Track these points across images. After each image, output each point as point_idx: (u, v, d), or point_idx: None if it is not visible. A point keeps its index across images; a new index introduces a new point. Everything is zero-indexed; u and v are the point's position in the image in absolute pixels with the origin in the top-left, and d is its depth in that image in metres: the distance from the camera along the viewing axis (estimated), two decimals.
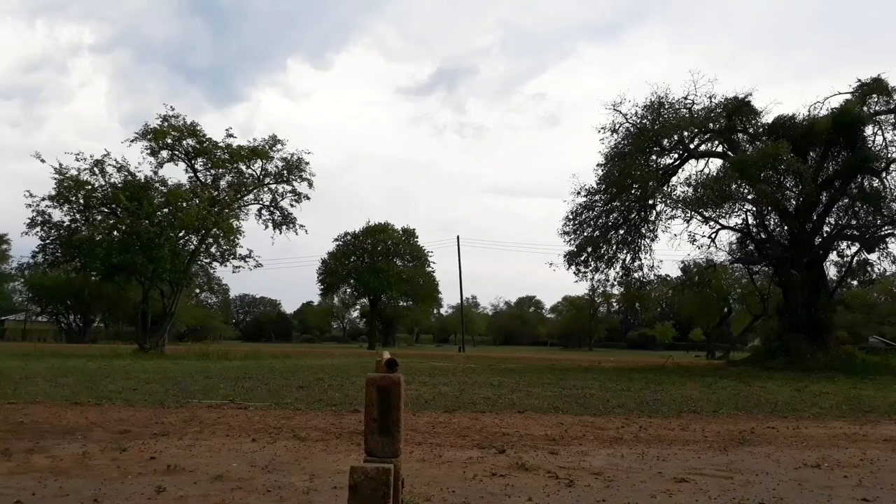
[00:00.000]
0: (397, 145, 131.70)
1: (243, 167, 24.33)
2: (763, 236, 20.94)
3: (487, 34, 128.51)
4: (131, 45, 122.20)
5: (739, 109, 19.91)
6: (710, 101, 19.97)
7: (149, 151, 23.10)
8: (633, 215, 20.97)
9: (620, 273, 21.70)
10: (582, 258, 21.09)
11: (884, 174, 18.70)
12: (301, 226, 25.33)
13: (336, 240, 58.04)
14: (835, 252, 20.73)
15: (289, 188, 24.81)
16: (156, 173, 23.22)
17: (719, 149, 21.00)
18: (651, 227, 21.12)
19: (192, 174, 24.08)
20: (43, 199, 21.50)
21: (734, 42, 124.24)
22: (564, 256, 21.28)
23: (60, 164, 21.58)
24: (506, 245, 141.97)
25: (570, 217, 21.16)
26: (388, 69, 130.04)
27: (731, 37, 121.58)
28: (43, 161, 21.29)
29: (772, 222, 20.81)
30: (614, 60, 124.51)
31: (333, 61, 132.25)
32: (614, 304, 66.98)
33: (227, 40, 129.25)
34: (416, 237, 59.11)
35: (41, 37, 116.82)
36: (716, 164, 20.64)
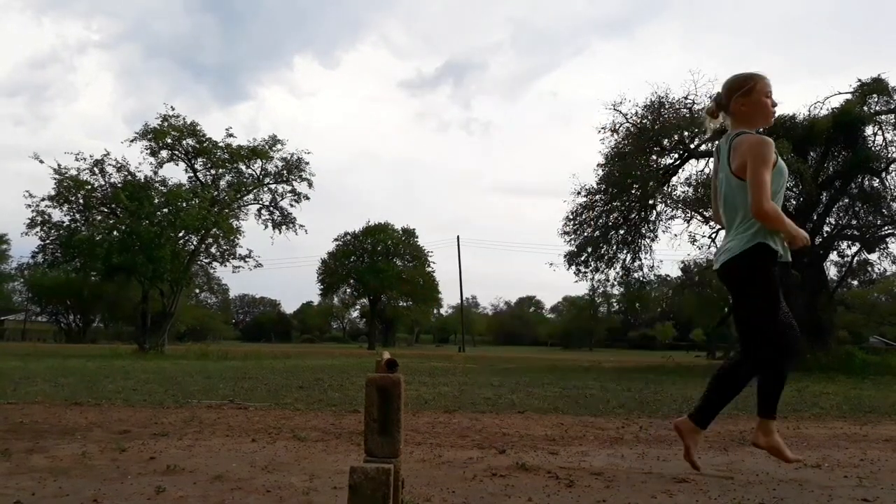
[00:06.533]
0: (402, 143, 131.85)
1: (243, 167, 24.39)
2: None
3: (497, 31, 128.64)
4: (139, 42, 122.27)
5: None
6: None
7: (149, 151, 23.17)
8: (633, 215, 20.96)
9: (620, 273, 21.71)
10: (582, 258, 21.09)
11: (884, 174, 18.73)
12: (301, 226, 25.43)
13: (336, 240, 58.11)
14: (835, 252, 20.78)
15: (288, 188, 24.90)
16: (156, 173, 23.30)
17: None
18: (651, 228, 21.15)
19: (192, 174, 24.14)
20: (42, 200, 21.54)
21: (750, 39, 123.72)
22: (564, 256, 21.30)
23: (59, 165, 21.62)
24: (506, 245, 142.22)
25: (571, 217, 21.16)
26: (396, 67, 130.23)
27: (747, 34, 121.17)
28: (41, 162, 21.33)
29: None
30: (626, 57, 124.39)
31: (341, 59, 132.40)
32: (614, 304, 67.05)
33: (234, 38, 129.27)
34: (416, 237, 59.21)
35: (48, 34, 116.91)
36: None
